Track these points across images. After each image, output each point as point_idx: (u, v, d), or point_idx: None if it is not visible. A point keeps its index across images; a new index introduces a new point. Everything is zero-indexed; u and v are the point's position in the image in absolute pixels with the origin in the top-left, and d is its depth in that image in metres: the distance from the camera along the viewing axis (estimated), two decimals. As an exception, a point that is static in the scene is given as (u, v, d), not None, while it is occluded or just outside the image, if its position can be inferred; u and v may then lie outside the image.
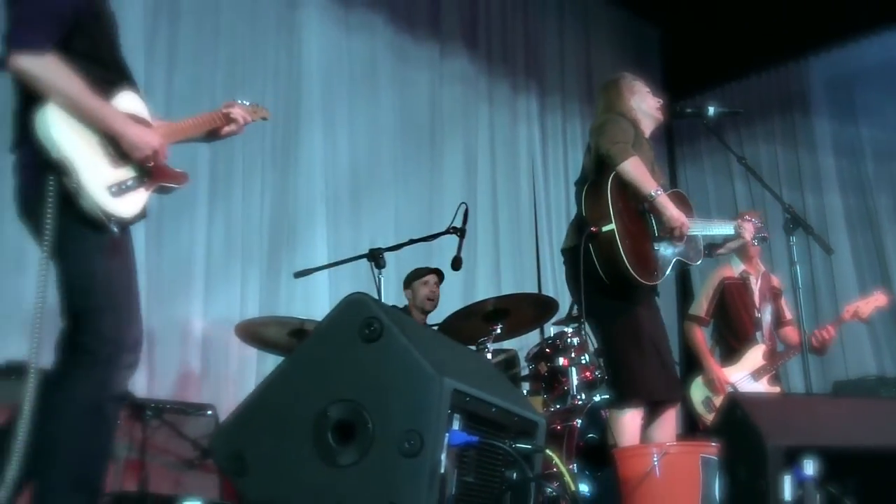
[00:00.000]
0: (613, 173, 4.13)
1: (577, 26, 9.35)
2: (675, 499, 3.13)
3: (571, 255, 4.28)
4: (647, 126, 4.54)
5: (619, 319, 4.20)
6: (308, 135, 6.82)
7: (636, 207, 4.20)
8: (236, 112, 3.53)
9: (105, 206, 2.87)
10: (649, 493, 3.13)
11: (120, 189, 2.94)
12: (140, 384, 5.32)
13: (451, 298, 6.18)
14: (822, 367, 7.67)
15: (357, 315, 2.60)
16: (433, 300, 6.04)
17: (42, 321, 2.77)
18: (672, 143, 9.97)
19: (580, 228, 4.20)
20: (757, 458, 3.34)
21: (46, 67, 2.83)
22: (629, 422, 4.15)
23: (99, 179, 2.88)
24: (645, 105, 4.54)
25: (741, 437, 3.45)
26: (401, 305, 6.03)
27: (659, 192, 4.15)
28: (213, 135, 3.53)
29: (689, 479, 3.15)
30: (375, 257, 4.94)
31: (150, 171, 3.08)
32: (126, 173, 2.99)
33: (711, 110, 4.65)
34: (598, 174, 4.23)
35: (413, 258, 6.04)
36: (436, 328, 5.41)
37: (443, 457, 2.49)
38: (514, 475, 2.88)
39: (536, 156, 8.64)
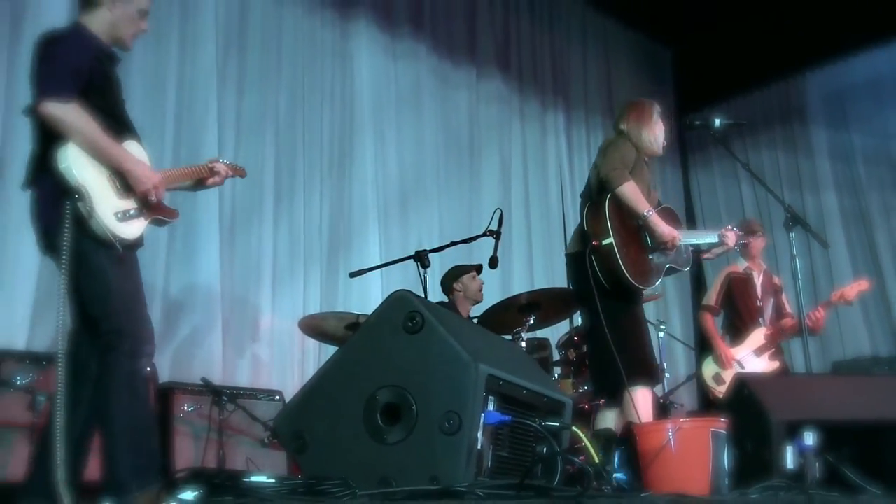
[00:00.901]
0: (610, 195, 4.20)
1: (598, 48, 9.29)
2: (689, 469, 3.09)
3: (574, 259, 4.37)
4: (650, 153, 4.51)
5: (623, 315, 4.24)
6: (361, 150, 6.84)
7: (633, 223, 4.26)
8: (219, 167, 3.65)
9: (112, 229, 3.05)
10: (665, 464, 3.09)
11: (125, 216, 3.12)
12: (217, 373, 5.37)
13: (489, 293, 6.14)
14: (821, 348, 7.63)
15: (401, 310, 2.61)
16: (481, 292, 6.00)
17: (66, 325, 2.95)
18: (685, 151, 9.92)
19: (583, 238, 4.28)
20: (762, 432, 3.31)
21: (70, 112, 3.02)
22: (645, 397, 4.18)
23: (107, 206, 3.06)
24: (651, 136, 4.51)
25: (748, 412, 3.42)
26: (443, 301, 6.01)
27: (650, 213, 4.22)
28: (199, 184, 3.64)
29: (701, 451, 3.11)
30: (421, 258, 4.93)
31: (149, 204, 3.22)
32: (130, 203, 3.16)
33: (718, 122, 4.68)
34: (598, 194, 4.30)
35: (455, 258, 6.02)
36: (475, 320, 5.40)
37: (479, 434, 2.49)
38: (544, 450, 2.87)
39: (564, 164, 8.60)
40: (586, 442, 3.05)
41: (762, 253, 6.32)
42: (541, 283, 7.38)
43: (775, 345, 6.02)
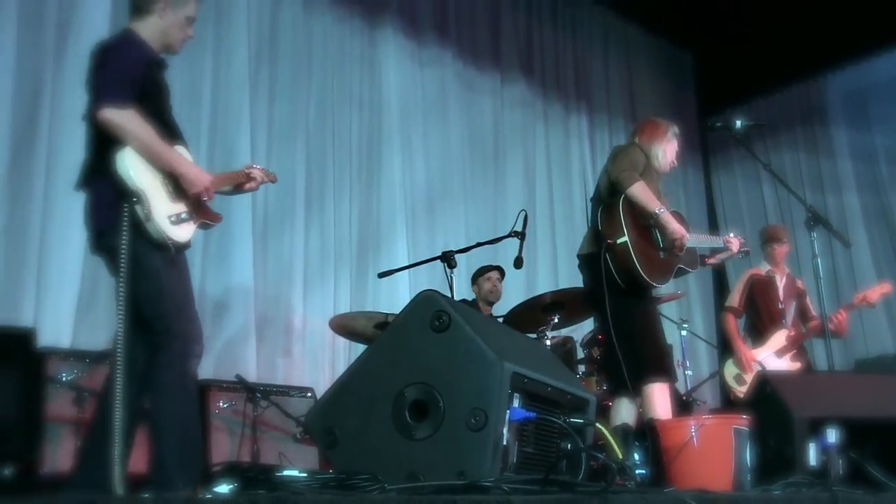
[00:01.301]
0: (623, 196, 4.19)
1: (619, 53, 9.25)
2: (711, 465, 3.07)
3: (587, 260, 4.35)
4: (658, 168, 4.51)
5: (637, 312, 4.23)
6: (389, 154, 6.85)
7: (644, 223, 4.25)
8: (255, 173, 3.67)
9: (167, 232, 3.10)
10: (688, 460, 3.08)
11: (178, 219, 3.17)
12: (251, 371, 5.40)
13: (515, 293, 6.15)
14: (844, 346, 7.53)
15: (428, 309, 2.61)
16: (494, 293, 6.02)
17: (123, 325, 2.94)
18: (706, 153, 9.85)
19: (596, 239, 4.27)
20: (784, 428, 3.28)
21: (128, 118, 3.06)
22: (663, 392, 4.15)
23: (162, 210, 3.10)
24: (660, 151, 4.50)
25: (770, 409, 3.39)
26: (469, 299, 6.01)
27: (662, 210, 4.21)
28: (237, 188, 3.66)
29: (724, 447, 3.09)
30: (448, 259, 4.93)
31: (199, 207, 3.28)
32: (181, 207, 3.20)
33: (739, 123, 4.65)
34: (610, 196, 4.29)
35: (480, 259, 6.02)
36: (500, 319, 5.39)
37: (505, 431, 2.48)
38: (569, 446, 2.86)
39: (587, 167, 8.56)
40: (609, 438, 3.03)
41: (786, 258, 6.26)
42: (565, 283, 7.34)
43: (797, 346, 5.94)
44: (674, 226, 4.22)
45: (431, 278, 5.77)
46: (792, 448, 3.24)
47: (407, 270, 5.72)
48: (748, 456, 3.16)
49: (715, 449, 3.10)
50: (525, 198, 7.67)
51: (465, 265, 5.95)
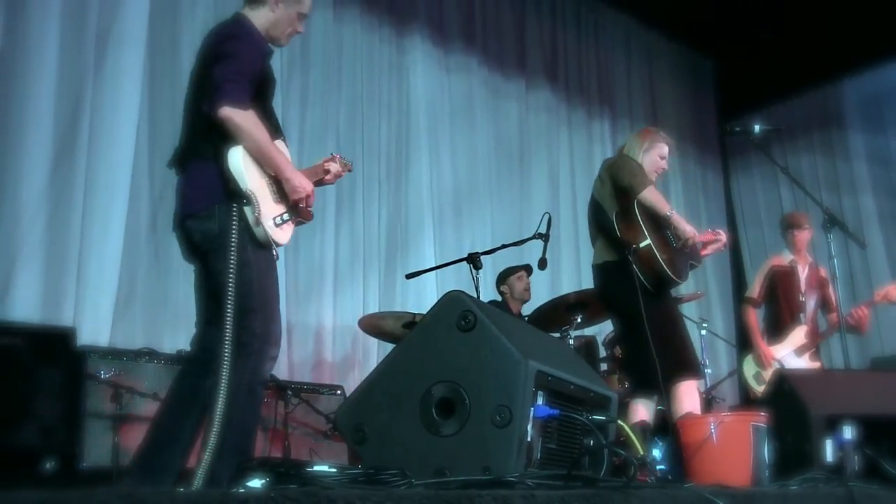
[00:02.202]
0: (636, 200, 4.20)
1: (641, 59, 9.21)
2: (730, 462, 3.05)
3: (606, 268, 4.33)
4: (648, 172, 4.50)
5: (663, 313, 4.22)
6: (416, 159, 6.87)
7: (657, 225, 4.26)
8: (332, 166, 3.63)
9: (272, 234, 3.04)
10: (707, 456, 3.06)
11: (281, 220, 3.11)
12: (282, 369, 5.42)
13: (539, 293, 6.14)
14: (860, 345, 7.44)
15: (454, 309, 2.61)
16: (528, 291, 5.96)
17: (233, 322, 2.88)
18: (725, 157, 9.80)
19: (614, 247, 4.25)
20: (802, 425, 3.26)
21: (246, 119, 2.99)
22: (692, 390, 4.15)
23: (268, 212, 3.04)
24: (649, 161, 4.49)
25: (788, 406, 3.37)
26: (498, 301, 6.00)
27: (673, 212, 4.24)
28: (318, 184, 3.55)
29: (742, 444, 3.07)
30: (474, 260, 4.94)
31: (297, 209, 3.21)
32: (282, 208, 3.14)
33: (758, 128, 4.65)
34: (623, 202, 4.28)
35: (506, 260, 6.01)
36: (526, 318, 5.39)
37: (529, 427, 2.48)
38: (591, 442, 2.85)
39: (610, 171, 8.53)
40: (631, 435, 3.02)
41: (809, 246, 6.06)
42: (588, 284, 7.24)
43: (816, 344, 5.77)
44: (685, 226, 4.25)
45: (458, 279, 5.77)
46: (809, 445, 3.22)
47: (434, 271, 5.73)
48: (766, 452, 3.13)
49: (734, 445, 3.08)
50: (549, 200, 7.66)
51: (491, 266, 5.94)
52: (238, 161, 2.96)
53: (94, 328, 4.75)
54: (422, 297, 6.29)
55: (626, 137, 8.67)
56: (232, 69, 3.01)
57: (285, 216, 3.14)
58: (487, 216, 7.25)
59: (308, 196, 3.17)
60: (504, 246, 5.26)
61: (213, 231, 2.98)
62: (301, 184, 3.14)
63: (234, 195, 2.95)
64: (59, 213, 4.78)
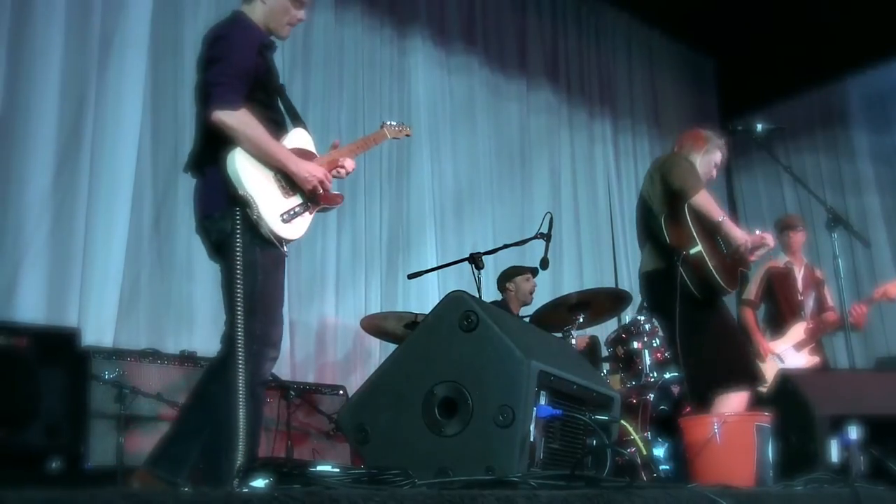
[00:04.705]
0: (688, 204, 4.00)
1: (642, 59, 9.20)
2: (734, 462, 3.04)
3: (654, 276, 4.14)
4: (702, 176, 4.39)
5: (714, 325, 4.03)
6: (418, 159, 6.86)
7: (708, 230, 4.06)
8: (381, 134, 3.80)
9: (278, 232, 3.04)
10: (711, 456, 3.05)
11: (290, 216, 3.10)
12: (285, 369, 5.41)
13: (541, 293, 6.12)
14: (864, 344, 7.43)
15: (457, 309, 2.60)
16: (534, 292, 5.94)
17: (243, 324, 2.90)
18: (728, 156, 9.74)
19: (663, 253, 4.06)
20: (806, 425, 3.25)
21: (240, 120, 2.99)
22: (740, 402, 3.90)
23: (273, 209, 3.04)
24: (705, 163, 4.33)
25: (792, 407, 3.36)
26: (499, 300, 5.99)
27: (724, 218, 4.03)
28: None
29: (746, 444, 3.06)
30: (475, 260, 4.94)
31: (315, 198, 3.21)
32: (295, 200, 3.15)
33: (760, 127, 4.59)
34: (673, 205, 4.08)
35: (507, 260, 6.01)
36: (527, 319, 5.38)
37: (532, 427, 2.47)
38: (594, 442, 2.85)
39: (611, 170, 8.52)
40: (634, 435, 3.02)
41: (803, 248, 6.12)
42: (590, 283, 7.33)
43: (815, 340, 5.81)
44: (737, 232, 4.03)
45: (459, 279, 5.77)
46: (814, 445, 3.21)
47: (436, 272, 5.73)
48: (770, 452, 3.12)
49: (737, 445, 3.07)
50: (550, 201, 7.65)
51: (493, 266, 5.93)
52: (234, 165, 2.97)
53: (99, 329, 4.75)
54: (424, 298, 6.28)
55: (627, 138, 8.78)
56: (219, 71, 3.03)
57: (298, 209, 3.14)
58: (489, 216, 7.24)
59: (321, 182, 3.18)
60: (506, 246, 5.26)
61: (226, 231, 3.00)
62: (309, 173, 3.14)
63: (236, 199, 2.97)
64: (62, 215, 4.78)
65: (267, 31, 3.29)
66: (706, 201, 4.01)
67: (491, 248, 5.36)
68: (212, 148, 3.05)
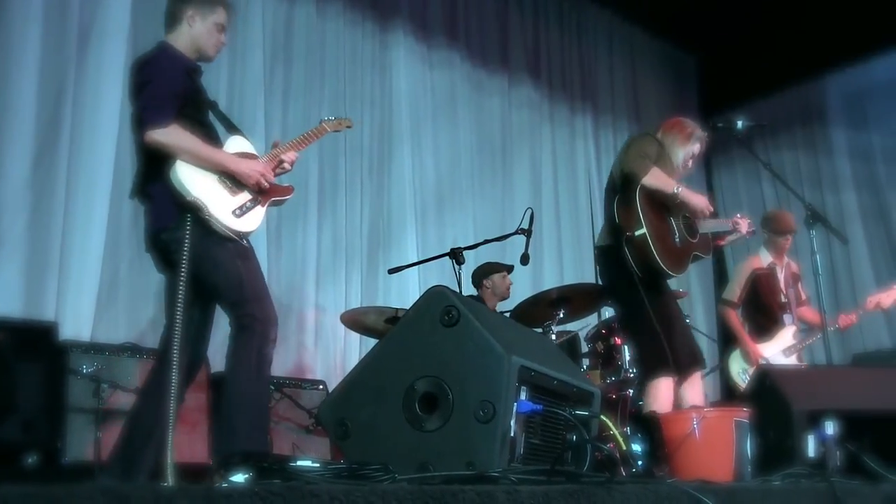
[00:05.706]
0: (639, 186, 4.09)
1: (624, 55, 9.21)
2: (713, 457, 3.06)
3: (603, 252, 4.32)
4: (677, 166, 4.41)
5: (652, 306, 4.12)
6: (399, 154, 6.85)
7: (661, 213, 4.17)
8: (324, 127, 3.89)
9: (233, 226, 3.21)
10: (690, 451, 3.07)
11: (242, 210, 3.27)
12: (265, 364, 5.39)
13: (521, 288, 6.13)
14: (841, 341, 7.47)
15: (438, 304, 2.61)
16: (509, 290, 5.94)
17: (179, 324, 3.02)
18: (708, 152, 9.78)
19: (614, 231, 4.19)
20: (784, 421, 3.27)
21: (172, 135, 3.15)
22: (664, 388, 4.07)
23: (224, 207, 3.20)
24: (682, 154, 4.40)
25: (770, 402, 3.38)
26: (473, 295, 5.98)
27: (679, 189, 4.13)
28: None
29: (725, 439, 3.08)
30: (456, 255, 4.93)
31: (262, 191, 3.37)
32: (244, 196, 3.31)
33: (740, 123, 4.63)
34: (625, 187, 4.17)
35: (488, 256, 5.99)
36: (507, 314, 5.38)
37: (512, 422, 2.48)
38: (574, 437, 2.85)
39: (592, 166, 8.54)
40: (614, 430, 3.03)
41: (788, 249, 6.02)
42: (570, 279, 7.33)
43: (804, 346, 5.71)
44: (695, 198, 4.18)
45: (440, 274, 5.76)
46: (791, 440, 3.23)
47: (416, 266, 5.72)
48: (748, 447, 3.15)
49: (716, 441, 3.09)
50: (531, 196, 7.66)
51: (473, 262, 5.93)
52: (178, 176, 3.13)
53: (77, 323, 4.71)
54: (404, 293, 6.27)
55: (608, 134, 8.80)
56: (147, 94, 3.20)
57: (249, 204, 3.30)
58: (469, 211, 7.24)
59: (263, 175, 3.33)
60: (486, 241, 5.25)
61: (181, 238, 3.11)
62: (250, 168, 3.30)
63: (185, 208, 3.11)
64: (40, 208, 4.73)
65: (196, 55, 3.46)
66: (657, 178, 4.11)
67: (472, 243, 5.36)
68: (154, 168, 3.20)
